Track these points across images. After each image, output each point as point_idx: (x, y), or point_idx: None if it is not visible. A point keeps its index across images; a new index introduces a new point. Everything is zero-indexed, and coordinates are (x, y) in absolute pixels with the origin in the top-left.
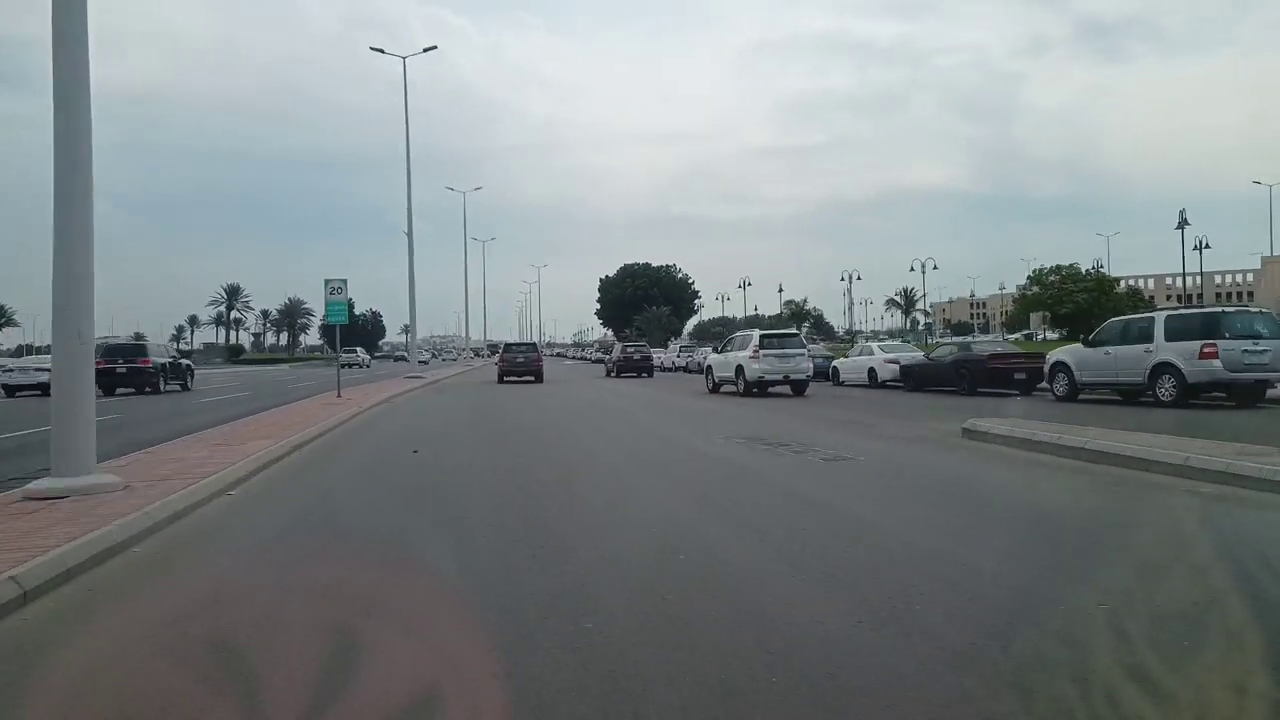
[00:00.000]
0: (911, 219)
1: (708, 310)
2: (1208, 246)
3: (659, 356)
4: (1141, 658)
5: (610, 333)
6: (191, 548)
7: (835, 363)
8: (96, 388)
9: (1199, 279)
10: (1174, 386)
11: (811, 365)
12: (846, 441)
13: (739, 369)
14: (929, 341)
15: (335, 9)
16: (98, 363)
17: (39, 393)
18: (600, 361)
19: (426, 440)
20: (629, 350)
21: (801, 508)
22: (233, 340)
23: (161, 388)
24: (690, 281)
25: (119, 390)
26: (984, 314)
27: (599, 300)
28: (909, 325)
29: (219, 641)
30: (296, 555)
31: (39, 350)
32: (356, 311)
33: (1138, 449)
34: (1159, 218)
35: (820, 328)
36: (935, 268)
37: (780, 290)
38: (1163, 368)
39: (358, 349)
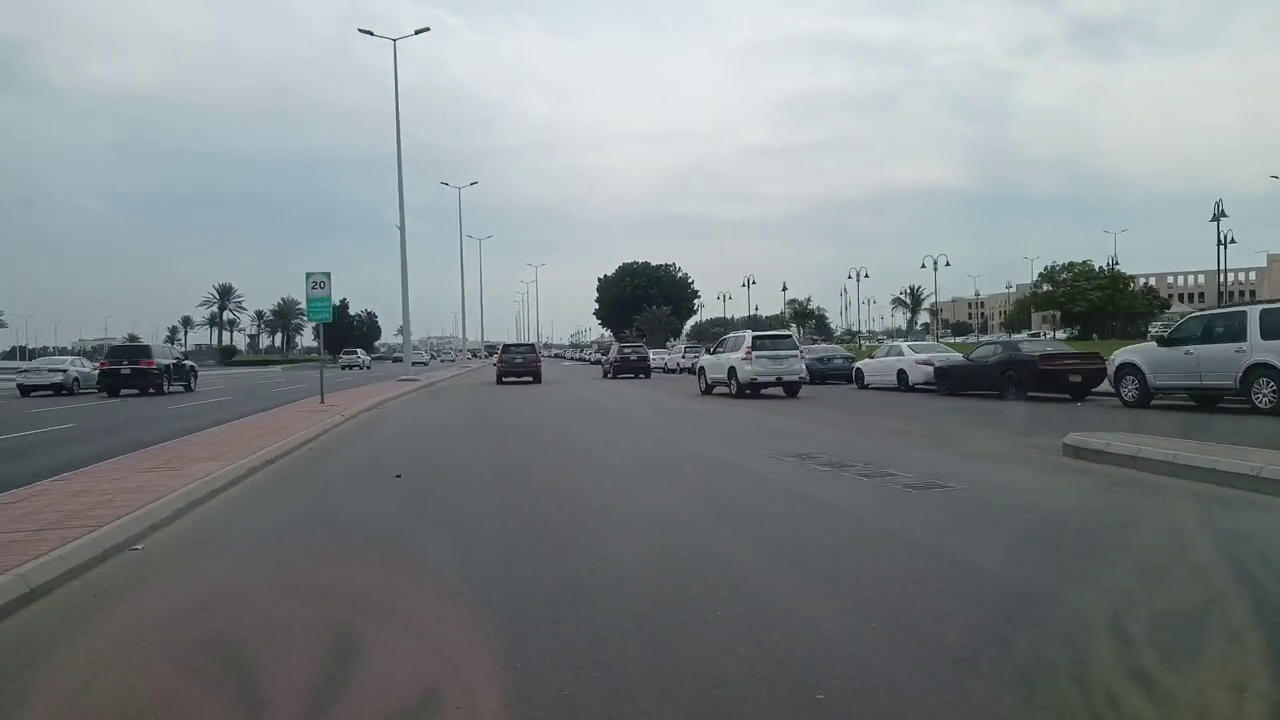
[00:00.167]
0: (908, 218)
1: (709, 310)
2: (1233, 241)
3: (663, 357)
4: None
5: (609, 333)
6: None
7: (859, 364)
8: (101, 389)
9: (1200, 277)
10: (1275, 391)
11: (804, 367)
12: (921, 460)
13: (731, 370)
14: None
15: (331, 10)
16: (101, 364)
17: (52, 392)
18: (599, 363)
19: (418, 457)
20: (626, 351)
21: (930, 564)
22: (227, 342)
23: (165, 389)
24: (690, 281)
25: (123, 392)
26: (983, 314)
27: (597, 300)
28: (908, 325)
29: None
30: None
31: (35, 352)
32: (351, 311)
33: None
34: (1156, 216)
35: (821, 328)
36: (948, 264)
37: (784, 289)
38: (1260, 370)
39: (357, 350)
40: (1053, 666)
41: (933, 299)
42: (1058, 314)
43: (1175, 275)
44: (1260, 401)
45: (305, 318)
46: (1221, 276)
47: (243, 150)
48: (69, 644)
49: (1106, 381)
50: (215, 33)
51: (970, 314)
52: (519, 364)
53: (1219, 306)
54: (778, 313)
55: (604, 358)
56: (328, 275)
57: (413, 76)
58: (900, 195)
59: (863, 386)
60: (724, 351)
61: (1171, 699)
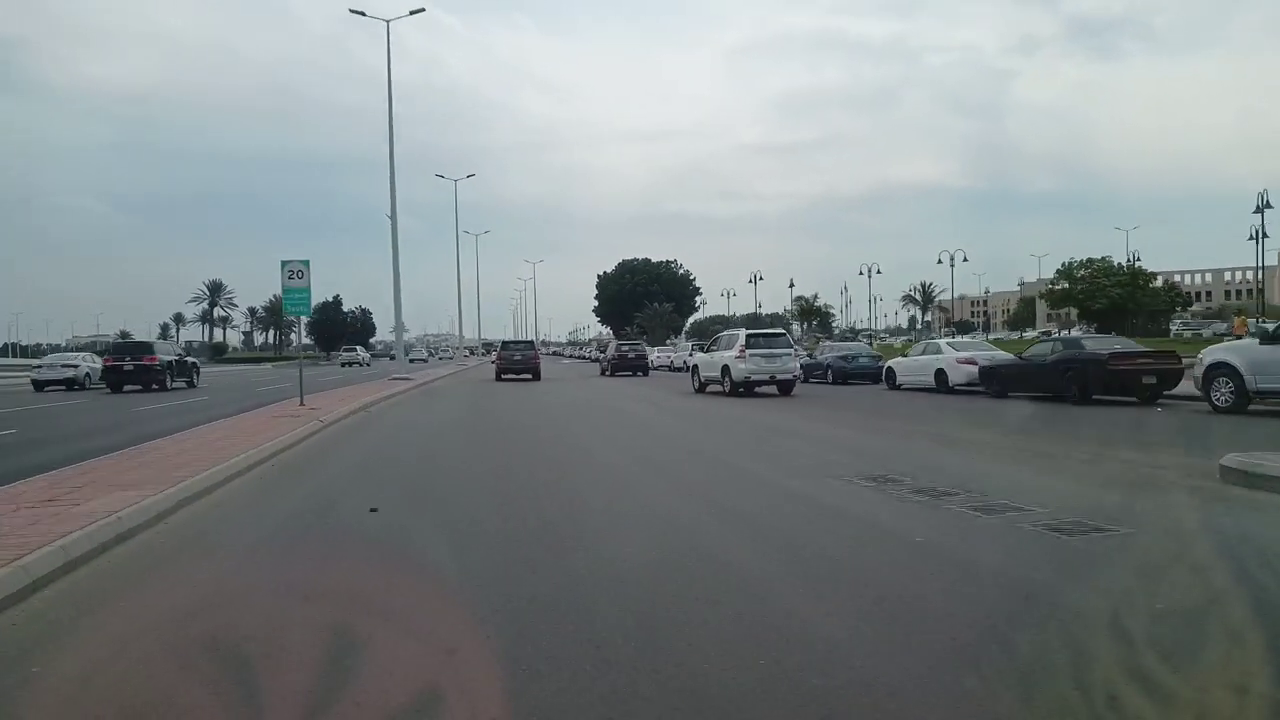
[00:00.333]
0: (906, 216)
1: (712, 306)
2: (1265, 235)
3: (667, 355)
4: None
5: (608, 330)
6: None
7: (890, 363)
8: (105, 384)
9: (1207, 276)
10: None
11: (799, 365)
12: (1033, 486)
13: (725, 369)
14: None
15: (328, 9)
16: (105, 360)
17: (64, 387)
18: (598, 360)
19: (403, 481)
20: (624, 349)
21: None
22: (220, 339)
23: (168, 385)
24: (691, 277)
25: (126, 387)
26: (985, 312)
27: (597, 297)
28: (916, 323)
29: None
30: None
31: (28, 350)
32: (345, 308)
33: None
34: (1153, 215)
35: (824, 326)
36: (965, 259)
37: (791, 285)
38: None
39: (357, 348)
40: None
41: (943, 295)
42: (1073, 311)
43: (1180, 274)
44: None
45: (285, 313)
46: (1260, 272)
47: (241, 150)
48: None
49: (1187, 384)
50: (213, 32)
51: (973, 312)
52: (518, 361)
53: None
54: (784, 309)
55: (602, 355)
56: (306, 264)
57: (410, 76)
58: (897, 193)
59: (894, 387)
60: (718, 350)
61: None
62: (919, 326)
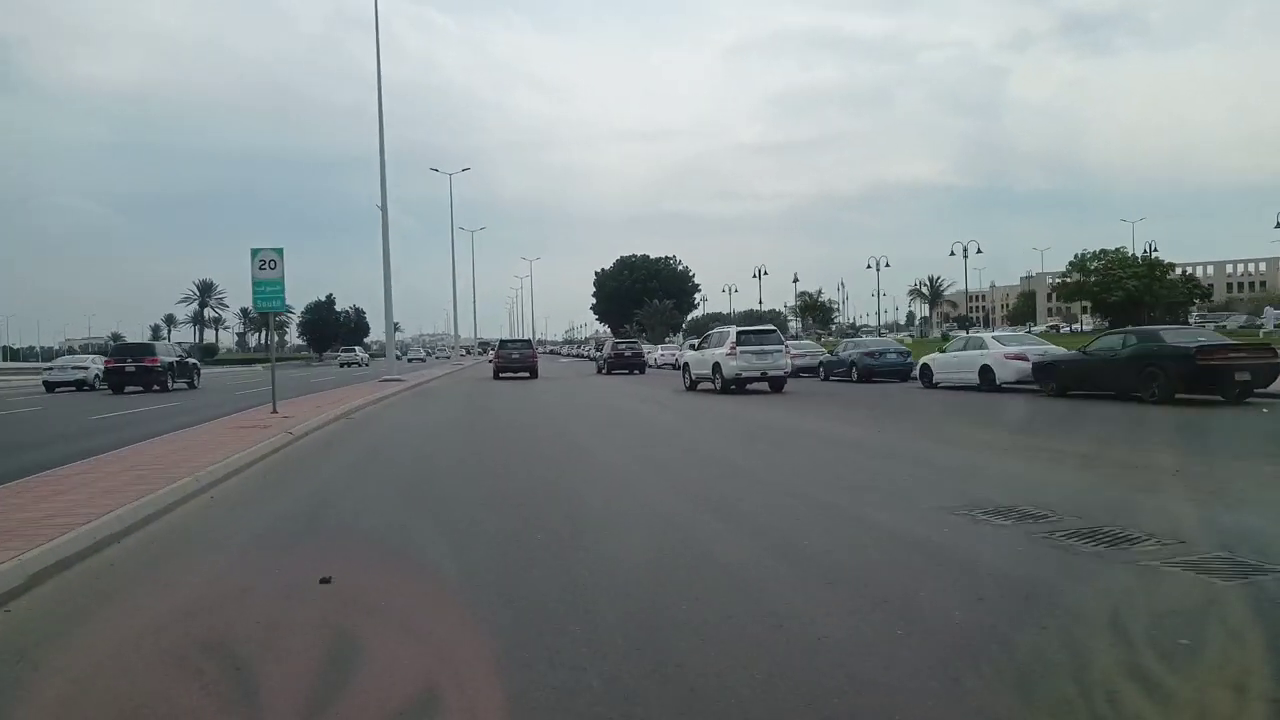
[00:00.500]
0: (902, 214)
1: (712, 304)
2: None
3: (672, 353)
4: None
5: (606, 328)
6: None
7: (925, 360)
8: (106, 386)
9: (1209, 268)
10: None
11: (790, 362)
12: (1244, 526)
13: (716, 366)
14: (944, 336)
15: (321, 9)
16: (107, 362)
17: (75, 388)
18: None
19: (373, 532)
20: (620, 347)
21: None
22: (211, 340)
23: (169, 386)
24: (691, 274)
25: (128, 389)
26: (983, 307)
27: (594, 295)
28: (906, 320)
29: None
30: None
31: (19, 353)
32: (338, 308)
33: None
34: (1147, 211)
35: (824, 322)
36: (979, 252)
37: (795, 280)
38: None
39: (356, 348)
40: None
41: (951, 289)
42: (1086, 304)
43: (1182, 267)
44: None
45: (290, 313)
46: (1202, 270)
47: (237, 149)
48: None
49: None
50: (208, 31)
51: (971, 308)
52: (515, 360)
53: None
54: (784, 306)
55: (598, 353)
56: (279, 253)
57: (405, 76)
58: (894, 192)
59: (930, 386)
60: (708, 347)
61: None
62: (917, 322)
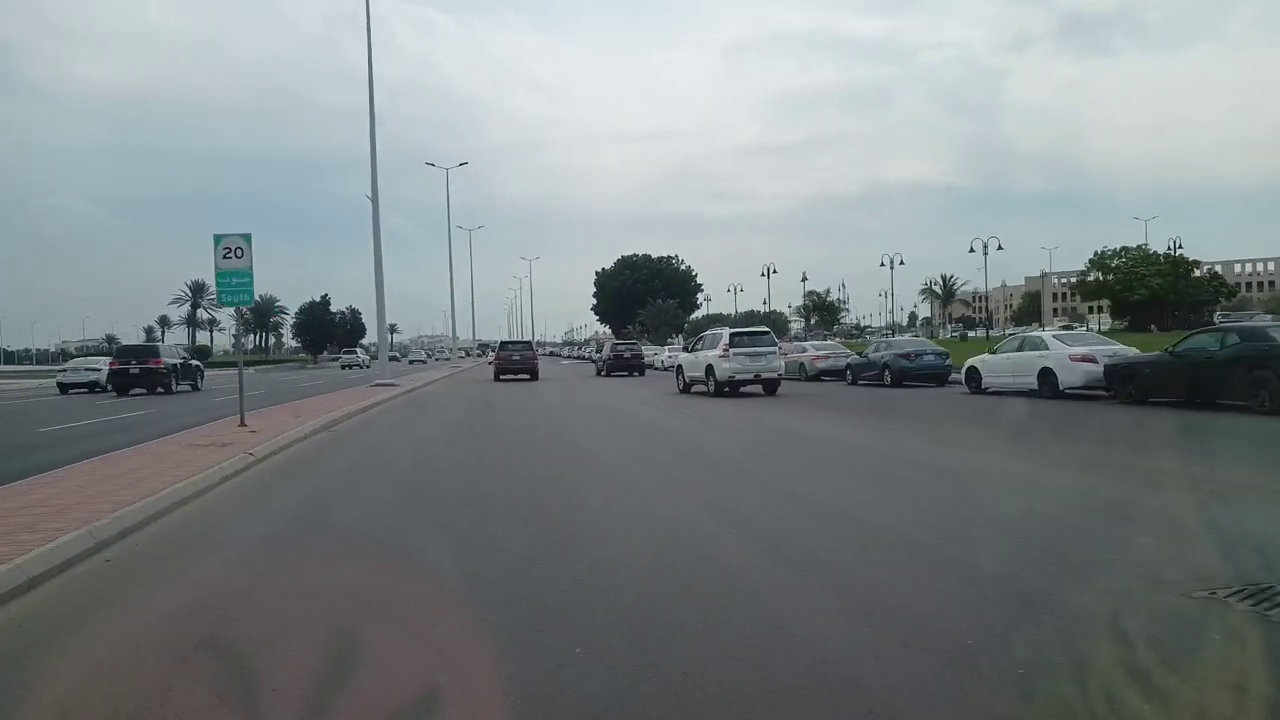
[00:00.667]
0: (901, 216)
1: (717, 304)
2: None
3: (679, 355)
4: None
5: (607, 329)
6: None
7: (973, 363)
8: (110, 388)
9: (1217, 267)
10: None
11: (783, 364)
12: None
13: (709, 368)
14: (963, 337)
15: (320, 9)
16: (111, 364)
17: (87, 390)
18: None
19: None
20: (619, 348)
21: None
22: (205, 341)
23: (173, 388)
24: (693, 274)
25: (132, 391)
26: (986, 308)
27: (595, 295)
28: (908, 320)
29: None
30: None
31: (15, 355)
32: (334, 308)
33: None
34: (1146, 211)
35: (828, 323)
36: (1000, 248)
37: (804, 279)
38: None
39: (357, 349)
40: None
41: (966, 286)
42: (1097, 304)
43: (1207, 266)
44: None
45: (285, 314)
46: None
47: (236, 151)
48: None
49: None
50: (207, 33)
51: (974, 309)
52: (516, 362)
53: None
54: (788, 306)
55: (597, 355)
56: (247, 239)
57: (403, 77)
58: (893, 193)
59: (979, 390)
60: (702, 349)
61: None
62: (918, 323)
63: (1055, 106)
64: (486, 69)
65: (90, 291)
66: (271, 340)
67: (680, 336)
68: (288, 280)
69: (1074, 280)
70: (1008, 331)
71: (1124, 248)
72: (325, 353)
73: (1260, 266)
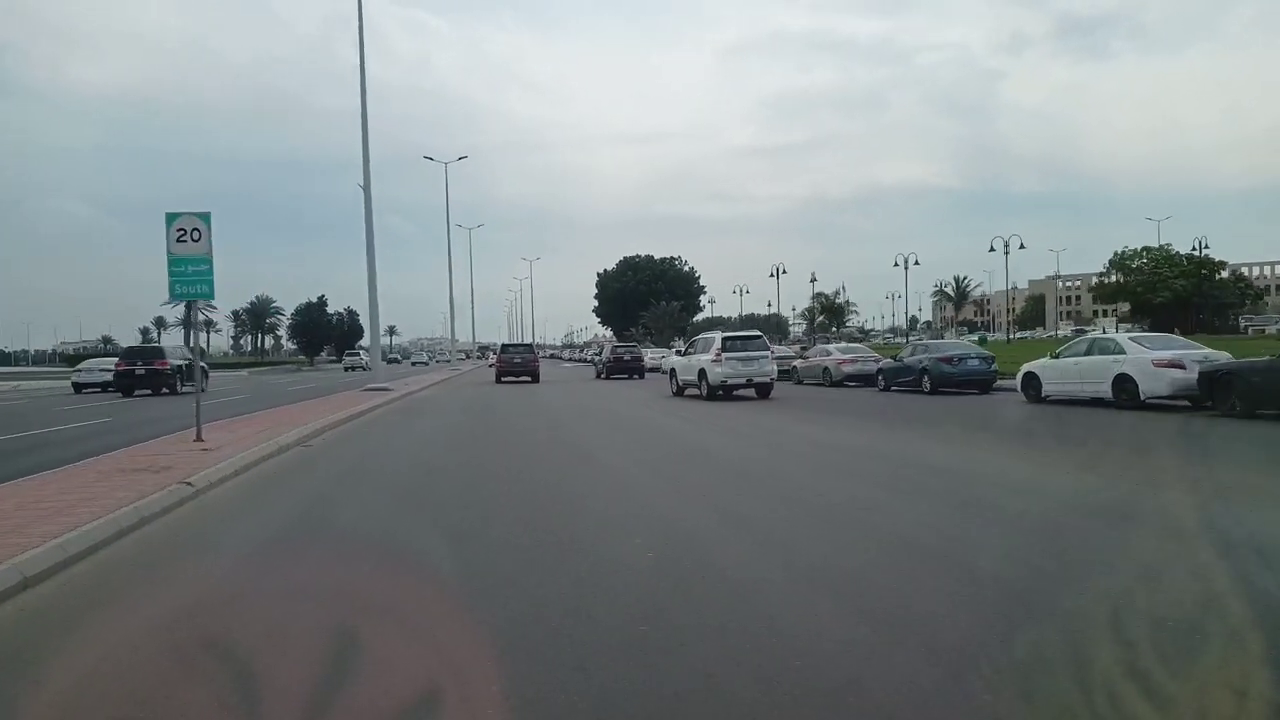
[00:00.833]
0: (897, 218)
1: (722, 305)
2: None
3: (673, 360)
4: None
5: (609, 331)
6: None
7: (1031, 368)
8: (116, 389)
9: (1224, 272)
10: None
11: (775, 368)
12: None
13: (701, 372)
14: (981, 340)
15: (317, 10)
16: (117, 365)
17: (100, 389)
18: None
19: None
20: (619, 351)
21: None
22: (205, 343)
23: (178, 389)
24: (696, 275)
25: (137, 392)
26: (988, 310)
27: (597, 296)
28: (908, 323)
29: None
30: None
31: (12, 357)
32: (330, 310)
33: None
34: (1144, 213)
35: (828, 326)
36: (1022, 247)
37: (813, 280)
38: None
39: (360, 351)
40: None
41: (979, 288)
42: (1111, 307)
43: (1230, 269)
44: None
45: (281, 315)
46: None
47: (232, 152)
48: None
49: None
50: (204, 35)
51: (976, 312)
52: (517, 364)
53: None
54: (793, 308)
55: (597, 358)
56: (206, 219)
57: (399, 79)
58: (889, 195)
59: (1038, 399)
60: (694, 353)
61: None
62: (920, 326)
63: (1052, 108)
64: (482, 71)
65: (86, 292)
66: (270, 342)
67: (682, 339)
68: (286, 282)
69: (1094, 282)
70: (1042, 335)
71: (1146, 248)
72: (322, 354)
73: (1268, 270)
